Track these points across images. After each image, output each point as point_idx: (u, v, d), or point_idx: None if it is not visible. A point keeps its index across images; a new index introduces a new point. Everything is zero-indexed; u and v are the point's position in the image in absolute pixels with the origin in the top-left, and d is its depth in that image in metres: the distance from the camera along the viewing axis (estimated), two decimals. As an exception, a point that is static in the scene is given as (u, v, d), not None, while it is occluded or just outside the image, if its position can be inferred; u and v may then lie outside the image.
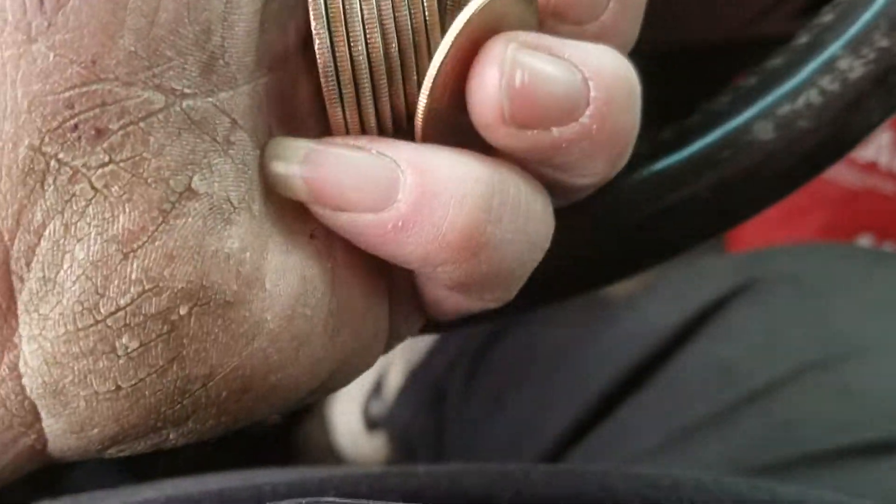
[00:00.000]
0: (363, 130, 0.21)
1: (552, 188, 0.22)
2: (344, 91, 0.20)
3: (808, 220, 0.86)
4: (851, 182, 0.85)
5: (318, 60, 0.20)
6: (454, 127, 0.21)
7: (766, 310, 0.49)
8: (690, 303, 0.51)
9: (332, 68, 0.20)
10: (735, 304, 0.50)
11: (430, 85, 0.20)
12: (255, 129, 0.20)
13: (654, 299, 0.54)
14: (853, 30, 0.25)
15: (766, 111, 0.25)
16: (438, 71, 0.20)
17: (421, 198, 0.19)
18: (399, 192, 0.19)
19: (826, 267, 0.50)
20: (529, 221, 0.20)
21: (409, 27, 0.20)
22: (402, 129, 0.21)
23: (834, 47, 0.25)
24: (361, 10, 0.20)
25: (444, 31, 0.20)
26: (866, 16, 0.25)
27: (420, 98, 0.20)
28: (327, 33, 0.20)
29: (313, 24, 0.20)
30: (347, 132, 0.21)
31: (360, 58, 0.20)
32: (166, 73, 0.18)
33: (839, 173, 0.85)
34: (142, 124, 0.18)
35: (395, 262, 0.21)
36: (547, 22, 0.21)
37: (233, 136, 0.19)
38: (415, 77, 0.21)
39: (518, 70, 0.19)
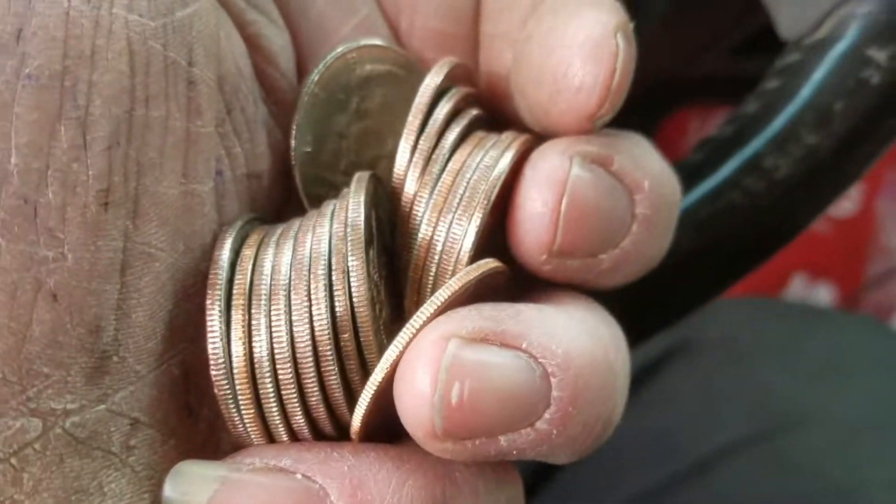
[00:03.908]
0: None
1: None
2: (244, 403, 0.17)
3: (743, 262, 0.85)
4: (785, 223, 0.85)
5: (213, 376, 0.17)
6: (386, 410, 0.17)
7: (701, 376, 0.47)
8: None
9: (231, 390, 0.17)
10: (670, 368, 0.48)
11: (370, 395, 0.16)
12: (165, 418, 0.17)
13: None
14: (777, 123, 0.23)
15: (686, 214, 0.23)
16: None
17: None
18: None
19: (759, 329, 0.49)
20: None
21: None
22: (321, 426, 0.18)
23: (757, 143, 0.23)
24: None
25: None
26: (790, 108, 0.23)
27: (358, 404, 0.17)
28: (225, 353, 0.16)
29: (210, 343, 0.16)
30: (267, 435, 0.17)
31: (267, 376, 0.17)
32: (43, 393, 0.15)
33: (773, 213, 0.85)
34: (13, 461, 0.15)
35: None
36: (551, 262, 0.18)
37: (133, 440, 0.16)
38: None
39: (456, 382, 0.15)
